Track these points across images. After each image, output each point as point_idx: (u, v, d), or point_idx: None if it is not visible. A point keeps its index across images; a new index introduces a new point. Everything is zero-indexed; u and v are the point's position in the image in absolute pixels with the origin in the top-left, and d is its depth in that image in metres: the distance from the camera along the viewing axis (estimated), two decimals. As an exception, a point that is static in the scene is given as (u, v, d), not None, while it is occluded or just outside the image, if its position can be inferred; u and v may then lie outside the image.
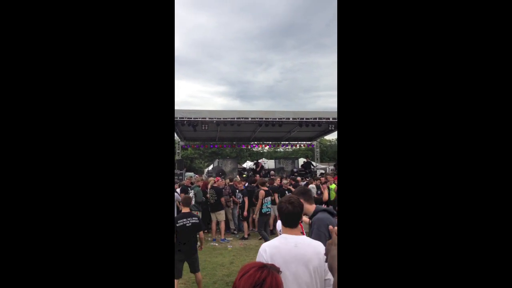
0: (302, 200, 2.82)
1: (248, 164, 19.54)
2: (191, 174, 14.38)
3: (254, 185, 8.42)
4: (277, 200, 8.22)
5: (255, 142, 17.95)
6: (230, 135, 15.41)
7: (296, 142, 18.10)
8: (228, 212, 8.28)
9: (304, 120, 11.86)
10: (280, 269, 1.07)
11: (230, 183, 8.56)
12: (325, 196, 7.92)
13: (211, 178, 9.33)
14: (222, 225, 7.86)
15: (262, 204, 7.23)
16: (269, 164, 18.00)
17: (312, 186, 8.49)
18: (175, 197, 6.75)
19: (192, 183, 8.82)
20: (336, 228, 1.47)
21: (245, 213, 7.88)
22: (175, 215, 4.71)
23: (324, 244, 1.52)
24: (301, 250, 1.70)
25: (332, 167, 16.65)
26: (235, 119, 11.48)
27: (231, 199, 8.24)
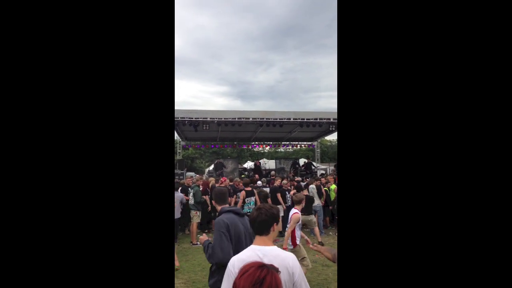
0: (214, 202, 2.82)
1: (249, 164, 19.54)
2: (192, 174, 14.38)
3: (254, 185, 8.43)
4: (280, 200, 8.22)
5: (256, 142, 17.96)
6: (231, 135, 15.42)
7: (296, 143, 18.10)
8: (229, 212, 8.29)
9: (305, 120, 11.85)
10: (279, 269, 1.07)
11: (231, 183, 8.57)
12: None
13: (212, 178, 9.33)
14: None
15: (243, 204, 7.28)
16: (270, 164, 17.99)
17: (312, 187, 8.48)
18: (176, 197, 6.75)
19: (192, 183, 8.83)
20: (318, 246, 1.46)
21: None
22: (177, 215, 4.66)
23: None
24: (266, 262, 1.66)
25: (332, 167, 16.64)
26: (236, 119, 11.49)
27: (232, 199, 8.25)
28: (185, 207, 7.58)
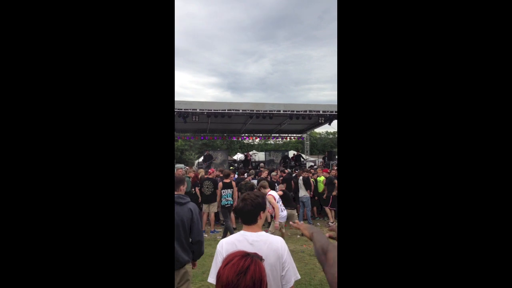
0: (182, 186, 2.89)
1: (239, 156, 19.53)
2: (181, 165, 14.32)
3: (243, 176, 8.44)
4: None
5: (246, 134, 17.94)
6: (221, 127, 15.35)
7: (286, 135, 18.15)
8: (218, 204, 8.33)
9: (295, 112, 11.90)
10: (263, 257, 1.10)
11: (221, 175, 8.58)
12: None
13: (201, 170, 9.32)
14: (212, 217, 7.90)
15: (220, 196, 7.34)
16: (260, 156, 18.02)
17: (300, 179, 8.59)
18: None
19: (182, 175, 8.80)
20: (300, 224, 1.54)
21: (235, 203, 7.94)
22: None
23: None
24: (256, 247, 1.71)
25: (321, 159, 16.79)
26: (226, 111, 11.44)
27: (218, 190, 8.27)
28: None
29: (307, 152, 17.97)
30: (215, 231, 7.68)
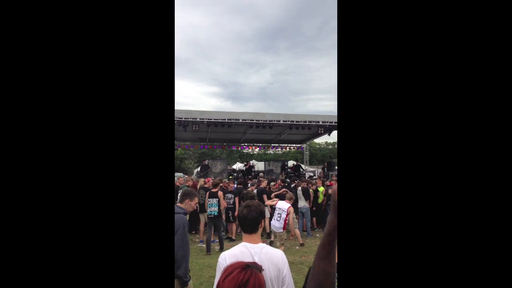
0: (188, 200, 2.96)
1: (238, 165, 19.50)
2: (180, 174, 14.27)
3: (240, 186, 8.41)
4: (266, 201, 8.25)
5: (246, 144, 17.95)
6: (221, 136, 15.38)
7: (286, 145, 18.17)
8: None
9: (295, 123, 11.94)
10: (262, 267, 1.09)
11: (220, 184, 8.55)
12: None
13: (201, 180, 9.30)
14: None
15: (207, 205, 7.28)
16: (259, 166, 18.00)
17: (299, 189, 8.56)
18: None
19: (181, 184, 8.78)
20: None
21: (236, 213, 7.88)
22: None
23: None
24: (258, 260, 1.70)
25: (320, 170, 16.77)
26: (226, 120, 11.48)
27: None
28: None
29: (306, 162, 17.96)
30: (214, 240, 7.61)
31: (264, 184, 8.88)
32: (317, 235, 8.50)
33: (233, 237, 7.87)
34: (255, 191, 8.43)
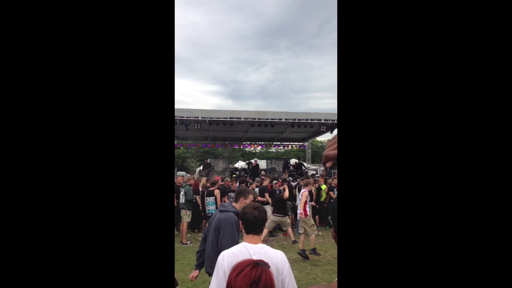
0: (243, 199, 2.94)
1: (240, 164, 19.52)
2: (183, 173, 14.31)
3: (244, 185, 8.42)
4: (268, 200, 8.25)
5: (248, 142, 17.97)
6: (223, 134, 15.39)
7: (288, 143, 18.17)
8: (219, 212, 8.28)
9: (296, 121, 11.92)
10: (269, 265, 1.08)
11: (222, 183, 8.57)
12: (286, 194, 7.56)
13: (204, 178, 9.31)
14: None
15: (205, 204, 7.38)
16: (261, 164, 18.02)
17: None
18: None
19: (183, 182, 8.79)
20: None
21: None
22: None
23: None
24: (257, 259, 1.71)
25: (323, 168, 16.74)
26: (228, 119, 11.49)
27: (223, 199, 8.24)
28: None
29: (308, 160, 17.94)
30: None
31: (266, 182, 8.89)
32: (320, 233, 8.49)
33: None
34: (256, 189, 8.45)
